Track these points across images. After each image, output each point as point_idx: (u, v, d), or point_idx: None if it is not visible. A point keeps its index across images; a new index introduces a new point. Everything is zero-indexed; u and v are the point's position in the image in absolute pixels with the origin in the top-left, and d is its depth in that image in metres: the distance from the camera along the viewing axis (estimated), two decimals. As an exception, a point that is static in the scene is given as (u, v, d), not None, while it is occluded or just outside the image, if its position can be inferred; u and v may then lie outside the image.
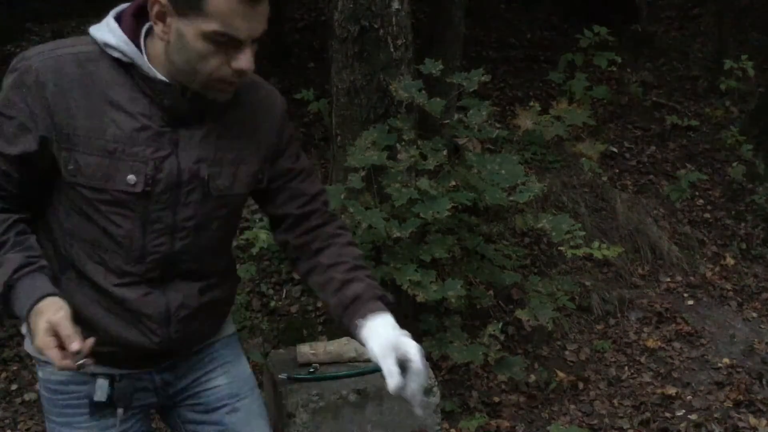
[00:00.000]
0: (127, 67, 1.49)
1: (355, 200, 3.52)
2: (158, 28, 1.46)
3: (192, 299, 1.64)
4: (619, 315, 4.52)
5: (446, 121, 3.80)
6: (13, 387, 3.97)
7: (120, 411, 1.61)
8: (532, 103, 4.86)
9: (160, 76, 1.49)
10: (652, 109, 6.58)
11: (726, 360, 4.18)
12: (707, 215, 5.45)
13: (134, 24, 1.51)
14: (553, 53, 6.89)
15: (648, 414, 3.79)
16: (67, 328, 1.41)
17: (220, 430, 1.78)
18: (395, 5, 3.65)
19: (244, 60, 1.46)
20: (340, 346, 2.29)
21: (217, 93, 1.50)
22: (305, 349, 2.27)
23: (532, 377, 3.96)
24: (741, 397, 3.88)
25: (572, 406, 3.86)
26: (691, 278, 4.87)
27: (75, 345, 1.40)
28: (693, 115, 6.43)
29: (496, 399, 3.84)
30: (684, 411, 3.82)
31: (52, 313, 1.42)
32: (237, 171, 1.61)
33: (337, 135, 3.79)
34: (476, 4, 7.18)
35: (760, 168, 5.66)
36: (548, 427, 3.61)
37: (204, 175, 1.56)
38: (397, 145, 3.54)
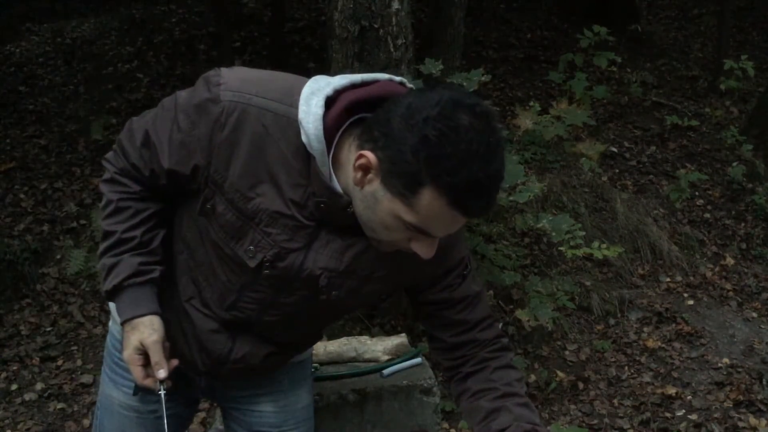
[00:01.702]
0: (308, 155, 1.35)
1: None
2: (357, 175, 1.31)
3: (255, 357, 1.59)
4: (619, 315, 4.52)
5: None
6: (13, 387, 3.97)
7: (162, 394, 1.55)
8: (532, 103, 4.86)
9: (336, 186, 1.36)
10: (652, 109, 6.58)
11: (726, 360, 4.18)
12: (707, 215, 5.45)
13: (342, 118, 1.35)
14: (553, 53, 6.89)
15: (648, 414, 3.79)
16: (157, 354, 1.46)
17: None
18: (395, 5, 3.65)
19: (427, 250, 1.35)
20: (340, 346, 2.29)
21: (382, 245, 1.40)
22: (305, 349, 2.26)
23: (532, 377, 3.96)
24: (741, 397, 3.88)
25: (572, 406, 3.86)
26: (691, 278, 4.87)
27: (162, 373, 1.46)
28: (693, 115, 6.43)
29: (496, 399, 3.84)
30: (684, 411, 3.82)
31: (147, 335, 1.46)
32: (361, 287, 1.49)
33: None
34: (476, 4, 7.19)
35: (760, 168, 5.67)
36: (548, 427, 3.61)
37: (323, 283, 1.45)
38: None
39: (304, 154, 1.36)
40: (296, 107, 1.34)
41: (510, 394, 1.54)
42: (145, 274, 1.49)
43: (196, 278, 1.53)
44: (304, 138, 1.33)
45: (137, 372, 1.46)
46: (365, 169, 1.30)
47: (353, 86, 1.37)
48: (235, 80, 1.39)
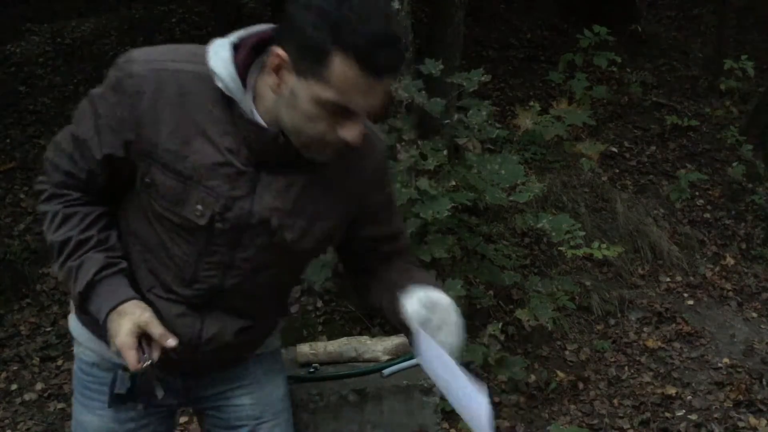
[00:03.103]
0: (229, 101, 1.42)
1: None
2: (272, 80, 1.38)
3: (227, 335, 1.58)
4: (619, 315, 4.52)
5: (446, 121, 3.80)
6: (13, 387, 3.97)
7: (140, 406, 1.57)
8: (532, 103, 4.86)
9: (259, 119, 1.42)
10: (652, 109, 6.58)
11: (726, 360, 4.18)
12: (707, 215, 5.45)
13: (250, 57, 1.43)
14: (553, 53, 6.89)
15: (648, 414, 3.79)
16: (158, 327, 1.46)
17: None
18: (395, 5, 3.65)
19: (353, 132, 1.39)
20: (340, 346, 2.29)
21: (315, 154, 1.43)
22: (305, 349, 2.26)
23: (532, 377, 3.96)
24: (741, 397, 3.88)
25: (572, 406, 3.86)
26: (691, 278, 4.87)
27: (171, 341, 1.46)
28: (693, 115, 6.43)
29: (496, 399, 3.84)
30: (684, 411, 3.82)
31: (138, 315, 1.46)
32: (311, 226, 1.52)
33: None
34: (476, 4, 7.19)
35: (760, 168, 5.66)
36: (548, 427, 3.61)
37: (274, 225, 1.48)
38: (397, 145, 3.54)
39: (224, 102, 1.42)
40: (205, 63, 1.41)
41: (413, 267, 1.67)
42: (114, 266, 1.50)
43: (153, 266, 1.53)
44: (220, 84, 1.40)
45: (131, 356, 1.43)
46: (278, 68, 1.36)
47: (246, 38, 1.45)
48: (143, 54, 1.45)
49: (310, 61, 1.33)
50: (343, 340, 2.35)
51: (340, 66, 1.31)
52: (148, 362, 1.43)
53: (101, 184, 1.51)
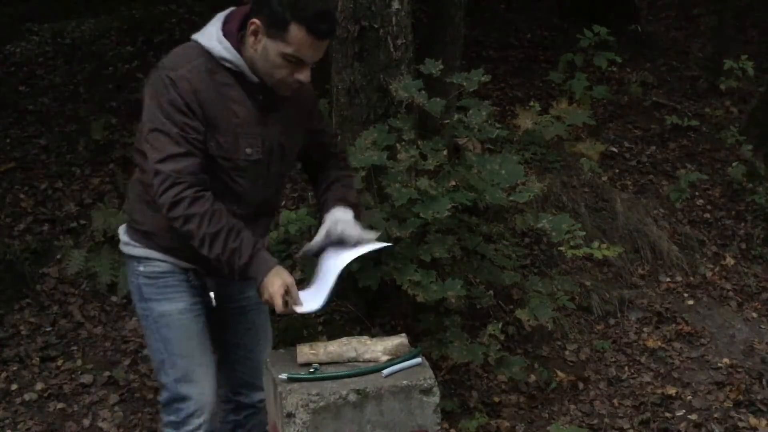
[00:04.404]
0: (236, 74, 2.18)
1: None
2: (250, 41, 2.14)
3: (264, 230, 2.44)
4: (619, 315, 4.52)
5: (446, 121, 3.79)
6: (13, 387, 3.97)
7: (212, 294, 2.41)
8: (532, 103, 4.87)
9: (252, 77, 2.18)
10: (652, 109, 6.58)
11: (726, 360, 4.18)
12: (707, 215, 5.45)
13: (238, 35, 2.16)
14: (553, 53, 6.88)
15: (648, 414, 3.79)
16: (296, 292, 2.20)
17: (248, 328, 2.55)
18: (395, 5, 3.65)
19: (304, 75, 2.17)
20: (340, 346, 2.29)
21: (282, 90, 2.22)
22: (305, 349, 2.27)
23: (532, 377, 3.96)
24: (741, 397, 3.88)
25: (572, 406, 3.86)
26: (691, 278, 4.87)
27: (299, 308, 2.22)
28: (693, 115, 6.42)
29: (496, 399, 3.84)
30: (684, 411, 3.82)
31: (286, 277, 2.19)
32: (298, 135, 2.38)
33: (337, 135, 3.79)
34: (476, 4, 7.19)
35: (760, 168, 5.66)
36: (548, 427, 3.61)
37: (283, 142, 2.32)
38: (397, 145, 3.54)
39: (233, 75, 2.19)
40: (207, 51, 2.17)
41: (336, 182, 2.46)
42: (258, 243, 2.21)
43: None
44: (229, 65, 2.18)
45: (279, 303, 2.16)
46: (255, 32, 2.12)
47: (230, 17, 2.21)
48: (175, 62, 2.20)
49: (276, 28, 2.09)
50: (343, 340, 2.35)
51: (295, 32, 2.08)
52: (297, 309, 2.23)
53: (205, 162, 2.17)
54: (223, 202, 2.21)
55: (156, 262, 2.36)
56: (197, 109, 2.13)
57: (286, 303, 2.16)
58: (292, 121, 2.33)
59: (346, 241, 2.31)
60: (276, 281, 2.16)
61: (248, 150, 2.23)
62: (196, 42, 2.20)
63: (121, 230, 2.47)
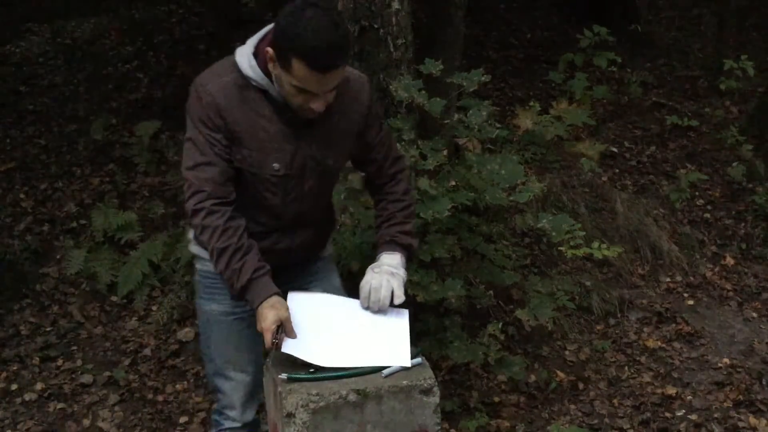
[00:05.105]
0: (264, 92, 2.21)
1: (355, 200, 3.52)
2: (270, 66, 2.15)
3: (307, 240, 2.45)
4: (619, 315, 4.52)
5: (446, 121, 3.79)
6: (13, 387, 3.97)
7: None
8: (532, 103, 4.86)
9: (281, 99, 2.20)
10: (652, 109, 6.58)
11: (726, 360, 4.18)
12: (707, 215, 5.45)
13: (266, 56, 2.15)
14: (553, 53, 6.88)
15: (648, 414, 3.79)
16: (291, 325, 2.18)
17: None
18: (395, 5, 3.65)
19: (317, 104, 2.15)
20: (340, 346, 2.30)
21: (304, 114, 2.20)
22: (305, 349, 2.27)
23: (532, 377, 3.96)
24: (741, 397, 3.88)
25: (572, 406, 3.86)
26: (691, 278, 4.87)
27: (293, 335, 2.18)
28: (693, 115, 6.42)
29: (496, 399, 3.84)
30: (684, 411, 3.82)
31: (282, 312, 2.17)
32: (339, 152, 2.35)
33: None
34: (476, 4, 7.18)
35: (760, 168, 5.66)
36: (548, 427, 3.61)
37: (319, 159, 2.30)
38: (397, 145, 3.54)
39: (262, 93, 2.21)
40: (239, 69, 2.20)
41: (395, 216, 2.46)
42: (263, 268, 2.22)
43: (254, 214, 2.32)
44: (256, 84, 2.20)
45: (268, 338, 2.13)
46: (271, 60, 2.13)
47: (266, 35, 2.21)
48: (206, 78, 2.24)
49: (282, 60, 2.09)
50: (343, 340, 2.36)
51: (297, 66, 2.06)
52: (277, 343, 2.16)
53: (231, 172, 2.23)
54: (255, 213, 2.30)
55: (208, 262, 2.40)
56: (220, 123, 2.18)
57: (275, 342, 2.14)
58: (334, 137, 2.31)
59: (362, 300, 2.33)
60: (270, 315, 2.15)
61: (275, 165, 2.24)
62: (233, 57, 2.24)
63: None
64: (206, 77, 2.23)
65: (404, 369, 2.20)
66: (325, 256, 2.62)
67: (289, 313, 2.16)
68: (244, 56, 2.20)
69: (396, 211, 2.45)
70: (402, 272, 2.35)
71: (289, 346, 2.18)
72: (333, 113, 2.25)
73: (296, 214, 2.36)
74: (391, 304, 2.32)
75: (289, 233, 2.38)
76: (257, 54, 2.18)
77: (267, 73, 2.17)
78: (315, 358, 2.17)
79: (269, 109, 2.21)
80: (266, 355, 2.33)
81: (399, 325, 2.31)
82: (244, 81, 2.19)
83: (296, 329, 2.20)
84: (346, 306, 2.37)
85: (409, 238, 2.42)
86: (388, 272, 2.32)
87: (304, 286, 2.47)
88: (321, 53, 2.03)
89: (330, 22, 2.04)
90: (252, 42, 2.21)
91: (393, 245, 2.39)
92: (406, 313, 2.34)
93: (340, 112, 2.28)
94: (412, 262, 3.03)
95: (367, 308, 2.32)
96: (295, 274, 2.50)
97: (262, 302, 2.17)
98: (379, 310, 2.31)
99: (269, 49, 2.10)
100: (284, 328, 2.15)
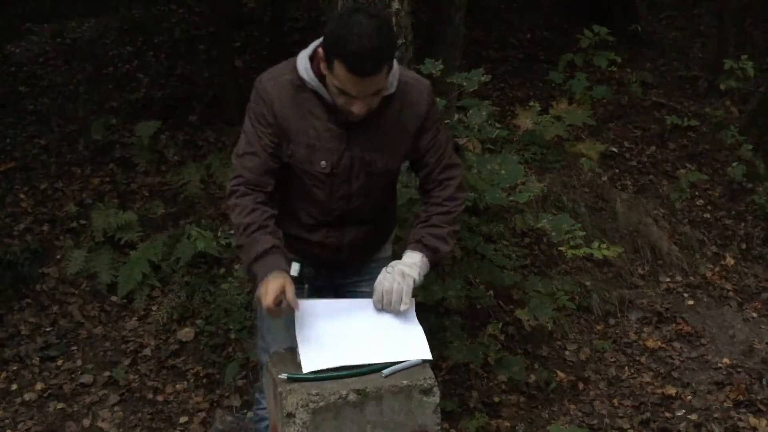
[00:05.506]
0: (317, 93, 2.29)
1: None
2: (322, 66, 2.22)
3: (358, 238, 2.49)
4: (619, 315, 4.52)
5: (446, 121, 3.79)
6: (13, 387, 3.97)
7: (306, 287, 2.44)
8: (532, 103, 4.85)
9: (331, 100, 2.26)
10: (652, 109, 6.58)
11: (726, 360, 4.18)
12: (707, 215, 5.45)
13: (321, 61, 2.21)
14: (553, 53, 6.87)
15: (648, 414, 3.80)
16: (292, 293, 2.22)
17: None
18: (395, 5, 3.65)
19: (356, 107, 2.21)
20: (340, 346, 2.30)
21: (349, 116, 2.26)
22: (305, 349, 2.27)
23: (532, 377, 3.96)
24: (741, 397, 3.88)
25: (572, 406, 3.86)
26: (691, 278, 4.87)
27: (294, 304, 2.21)
28: (693, 115, 6.42)
29: (496, 399, 3.84)
30: (684, 411, 3.82)
31: (288, 283, 2.22)
32: (389, 155, 2.39)
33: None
34: (476, 4, 7.18)
35: (760, 168, 5.66)
36: (548, 427, 3.61)
37: (368, 160, 2.36)
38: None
39: (316, 95, 2.29)
40: (297, 71, 2.30)
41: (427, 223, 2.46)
42: (278, 248, 2.27)
43: (304, 206, 2.45)
44: (311, 87, 2.29)
45: (272, 299, 2.17)
46: (321, 60, 2.21)
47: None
48: (268, 74, 2.36)
49: (328, 62, 2.18)
50: (343, 340, 2.36)
51: (338, 69, 2.15)
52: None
53: (273, 165, 2.34)
54: (306, 206, 2.43)
55: None
56: (272, 119, 2.30)
57: (279, 302, 2.18)
58: (385, 139, 2.36)
59: (376, 302, 2.35)
60: (272, 282, 2.20)
61: (323, 163, 2.32)
62: (296, 58, 2.34)
63: None
64: (267, 76, 2.35)
65: (425, 362, 2.24)
66: (383, 257, 2.62)
67: (293, 285, 2.22)
68: (302, 58, 2.30)
69: (434, 214, 2.46)
70: (415, 272, 2.35)
71: (311, 362, 2.17)
72: (386, 116, 2.32)
73: (344, 212, 2.42)
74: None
75: (339, 230, 2.45)
76: (313, 57, 2.27)
77: (321, 75, 2.24)
78: (341, 359, 2.18)
79: (321, 109, 2.29)
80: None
81: (409, 319, 2.36)
82: (300, 81, 2.29)
83: (313, 336, 2.23)
84: (357, 306, 2.39)
85: (436, 241, 2.41)
86: (399, 273, 2.33)
87: (357, 287, 2.54)
88: (360, 58, 2.10)
89: (374, 28, 2.11)
90: (312, 45, 2.30)
91: (418, 245, 2.41)
92: (412, 308, 2.39)
93: (395, 115, 2.34)
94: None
95: (380, 309, 2.35)
96: (351, 273, 2.57)
97: (267, 274, 2.22)
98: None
99: (320, 50, 2.20)
100: (285, 295, 2.19)
